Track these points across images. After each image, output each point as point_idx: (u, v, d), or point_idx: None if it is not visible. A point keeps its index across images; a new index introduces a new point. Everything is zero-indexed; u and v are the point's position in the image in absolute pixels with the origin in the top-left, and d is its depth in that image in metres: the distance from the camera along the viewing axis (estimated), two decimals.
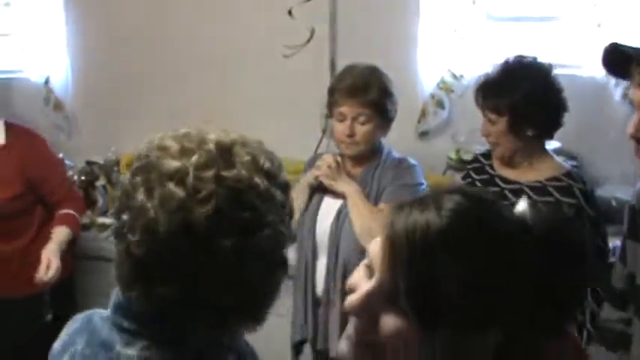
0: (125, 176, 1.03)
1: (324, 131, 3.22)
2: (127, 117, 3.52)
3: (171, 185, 0.96)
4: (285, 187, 1.06)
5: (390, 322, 0.86)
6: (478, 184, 2.27)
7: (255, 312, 1.05)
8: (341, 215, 2.37)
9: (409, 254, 0.84)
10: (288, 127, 3.26)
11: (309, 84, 3.22)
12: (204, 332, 1.03)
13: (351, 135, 2.34)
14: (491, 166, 2.28)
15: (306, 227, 2.43)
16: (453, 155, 3.04)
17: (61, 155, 3.21)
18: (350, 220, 2.33)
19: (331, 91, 2.40)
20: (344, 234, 2.34)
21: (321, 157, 2.46)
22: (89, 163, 3.40)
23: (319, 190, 2.44)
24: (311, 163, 2.53)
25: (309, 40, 3.19)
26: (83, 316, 1.15)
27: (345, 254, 2.33)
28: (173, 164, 0.98)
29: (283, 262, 1.05)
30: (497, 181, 2.23)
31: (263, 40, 3.27)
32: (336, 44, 3.21)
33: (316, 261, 2.42)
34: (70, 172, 3.35)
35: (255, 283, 1.01)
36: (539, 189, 2.13)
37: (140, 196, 0.97)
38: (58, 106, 3.59)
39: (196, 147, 1.01)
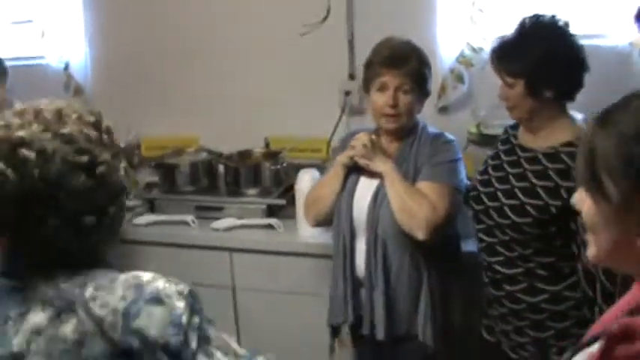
0: None
1: (343, 109, 3.20)
2: (147, 101, 3.52)
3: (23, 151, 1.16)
4: (108, 131, 1.29)
5: None
6: (502, 155, 2.22)
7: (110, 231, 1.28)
8: (379, 195, 2.32)
9: None
10: (307, 106, 3.25)
11: (327, 62, 3.21)
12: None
13: (395, 105, 2.30)
14: (515, 136, 2.23)
15: (342, 209, 2.39)
16: (474, 130, 3.00)
17: None
18: (388, 200, 2.28)
19: (369, 64, 2.37)
20: (382, 214, 2.30)
21: (355, 135, 2.41)
22: None
23: (355, 170, 2.40)
24: (344, 143, 2.50)
25: (325, 18, 3.16)
26: None
27: (384, 235, 2.29)
28: (19, 134, 1.18)
29: (123, 187, 1.28)
30: (517, 149, 2.18)
31: (280, 19, 3.25)
32: (353, 21, 3.18)
33: (354, 242, 2.38)
34: None
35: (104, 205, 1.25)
36: (551, 155, 2.07)
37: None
38: (78, 91, 3.60)
39: (33, 118, 1.21)
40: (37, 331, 1.15)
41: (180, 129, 3.48)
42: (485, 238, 2.19)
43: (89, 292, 1.17)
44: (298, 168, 2.92)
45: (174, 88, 3.49)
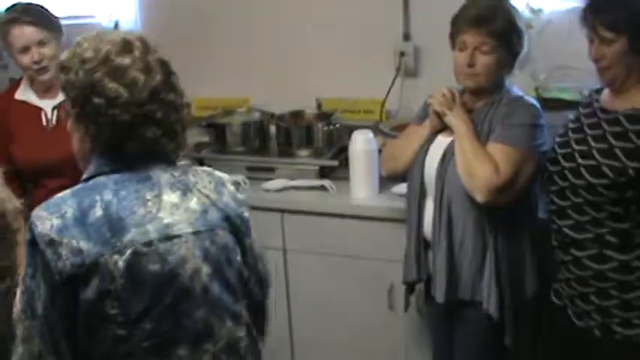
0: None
1: (397, 70, 3.14)
2: (198, 61, 3.48)
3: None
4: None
5: None
6: (582, 118, 2.13)
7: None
8: (448, 154, 2.27)
9: None
10: (359, 66, 3.20)
11: (381, 22, 3.14)
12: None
13: (471, 65, 2.24)
14: (597, 100, 2.13)
15: (415, 166, 2.36)
16: (533, 93, 2.92)
17: None
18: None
19: (454, 21, 2.30)
20: (449, 173, 2.25)
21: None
22: None
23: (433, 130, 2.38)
24: (424, 107, 2.47)
25: None
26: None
27: (450, 196, 2.24)
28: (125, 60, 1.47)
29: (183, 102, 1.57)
30: (597, 112, 2.09)
31: None
32: None
33: (423, 202, 2.35)
34: None
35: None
36: (633, 117, 1.97)
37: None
38: None
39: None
40: (175, 206, 1.50)
41: (230, 90, 3.45)
42: (557, 200, 2.12)
43: (191, 178, 1.56)
44: (351, 129, 2.87)
45: (225, 48, 3.46)
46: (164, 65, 1.51)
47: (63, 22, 3.35)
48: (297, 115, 3.18)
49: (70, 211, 1.42)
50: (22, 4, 2.72)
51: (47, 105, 2.73)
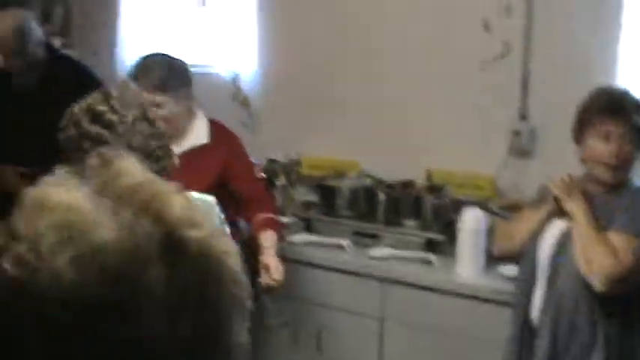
0: None
1: (510, 149, 3.11)
2: (311, 119, 3.56)
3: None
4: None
5: None
6: None
7: None
8: (564, 238, 2.24)
9: None
10: (475, 141, 3.18)
11: (497, 99, 3.14)
12: None
13: (619, 157, 2.21)
14: None
15: (529, 249, 2.34)
16: None
17: None
18: (572, 244, 2.20)
19: (588, 108, 2.28)
20: (564, 260, 2.22)
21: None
22: (271, 161, 3.47)
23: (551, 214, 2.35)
24: (541, 191, 2.47)
25: (504, 55, 3.09)
26: None
27: (563, 283, 2.21)
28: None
29: None
30: None
31: (457, 49, 3.20)
32: (530, 58, 3.09)
33: (534, 286, 2.32)
34: None
35: None
36: None
37: None
38: (245, 102, 3.69)
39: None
40: None
41: (340, 150, 3.49)
42: None
43: None
44: (460, 204, 2.87)
45: (339, 109, 3.51)
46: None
47: None
48: (407, 184, 3.19)
49: None
50: (146, 61, 2.77)
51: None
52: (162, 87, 2.69)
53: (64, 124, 1.72)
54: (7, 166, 3.05)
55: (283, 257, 2.89)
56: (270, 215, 2.81)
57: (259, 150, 3.58)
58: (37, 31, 3.15)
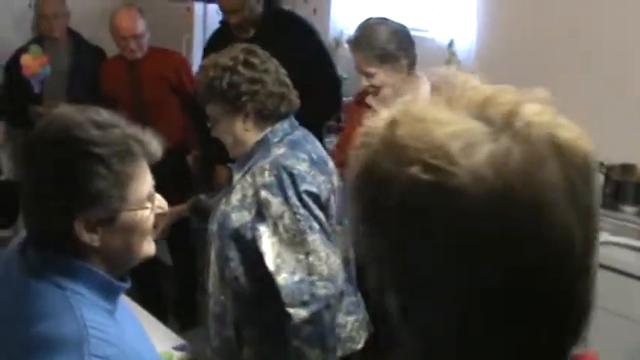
0: None
1: None
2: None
3: None
4: None
5: None
6: None
7: None
8: None
9: None
10: None
11: None
12: None
13: None
14: None
15: None
16: None
17: None
18: None
19: None
20: None
21: None
22: None
23: None
24: None
25: None
26: None
27: None
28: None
29: None
30: None
31: None
32: None
33: None
34: None
35: None
36: None
37: None
38: (458, 69, 3.63)
39: None
40: None
41: None
42: None
43: None
44: None
45: (557, 84, 3.34)
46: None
47: None
48: (628, 168, 3.02)
49: None
50: (368, 30, 2.83)
51: None
52: (373, 59, 2.74)
53: (217, 73, 2.06)
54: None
55: None
56: None
57: None
58: None
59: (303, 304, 1.95)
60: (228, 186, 2.18)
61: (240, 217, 2.05)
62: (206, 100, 2.11)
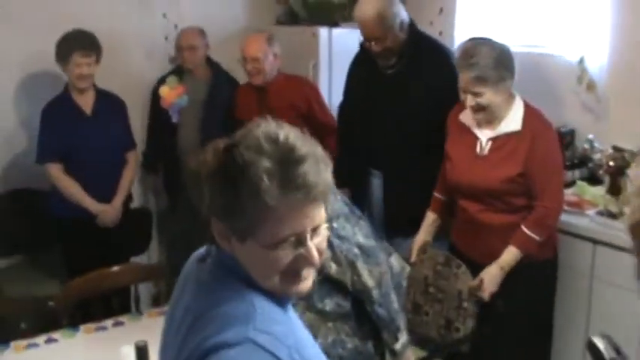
0: None
1: None
2: None
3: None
4: None
5: None
6: None
7: None
8: None
9: None
10: None
11: None
12: None
13: None
14: None
15: None
16: None
17: None
18: None
19: None
20: None
21: None
22: (616, 149, 3.34)
23: None
24: None
25: None
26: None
27: None
28: None
29: None
30: None
31: None
32: None
33: None
34: (598, 155, 3.38)
35: None
36: None
37: None
38: (591, 86, 3.57)
39: None
40: None
41: None
42: None
43: None
44: None
45: None
46: None
47: (521, 49, 3.43)
48: None
49: None
50: (471, 51, 2.84)
51: (484, 135, 2.95)
52: (483, 80, 2.78)
53: None
54: None
55: None
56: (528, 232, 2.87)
57: (605, 137, 3.48)
58: (398, 14, 3.29)
59: None
60: None
61: None
62: None
